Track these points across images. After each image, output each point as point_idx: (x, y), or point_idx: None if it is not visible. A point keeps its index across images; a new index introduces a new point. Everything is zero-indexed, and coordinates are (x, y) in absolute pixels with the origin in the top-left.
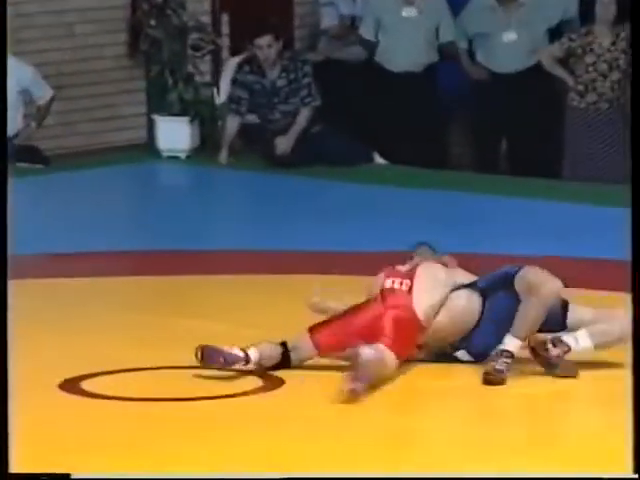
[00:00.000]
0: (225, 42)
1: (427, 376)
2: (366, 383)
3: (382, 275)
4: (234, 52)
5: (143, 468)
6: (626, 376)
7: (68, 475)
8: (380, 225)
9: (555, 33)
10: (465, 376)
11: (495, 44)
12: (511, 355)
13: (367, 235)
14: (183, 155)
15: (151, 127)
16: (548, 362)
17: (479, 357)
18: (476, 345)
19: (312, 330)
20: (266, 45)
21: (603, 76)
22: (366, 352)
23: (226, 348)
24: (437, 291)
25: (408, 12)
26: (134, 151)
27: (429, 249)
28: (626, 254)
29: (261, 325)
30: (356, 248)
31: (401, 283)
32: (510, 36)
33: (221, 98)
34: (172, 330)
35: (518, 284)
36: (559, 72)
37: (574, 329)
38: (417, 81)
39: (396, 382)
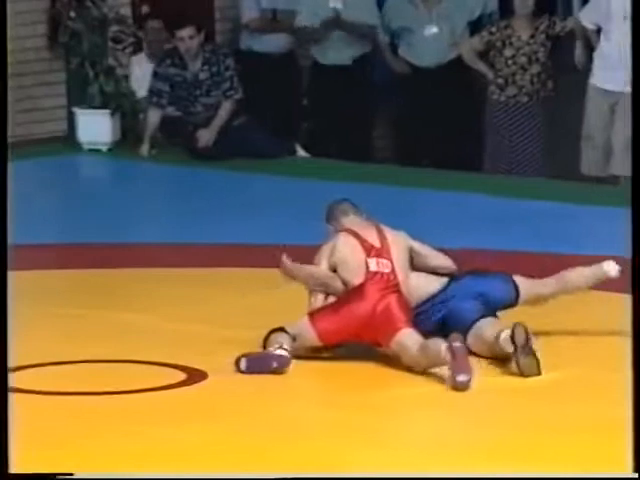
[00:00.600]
0: (147, 34)
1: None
2: (471, 373)
3: (351, 241)
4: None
5: (66, 462)
6: (625, 371)
7: (70, 475)
8: (303, 218)
9: (476, 26)
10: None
11: (416, 38)
12: None
13: (290, 228)
14: (104, 148)
15: (72, 119)
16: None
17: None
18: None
19: (313, 318)
20: (187, 37)
21: (523, 69)
22: (458, 344)
23: (270, 352)
24: (408, 269)
25: (335, 3)
26: (55, 144)
27: (352, 208)
28: (550, 247)
29: (187, 319)
30: (279, 241)
31: (386, 262)
32: (431, 30)
33: (137, 92)
34: (96, 324)
35: None
36: (479, 66)
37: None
38: (346, 74)
39: (323, 371)
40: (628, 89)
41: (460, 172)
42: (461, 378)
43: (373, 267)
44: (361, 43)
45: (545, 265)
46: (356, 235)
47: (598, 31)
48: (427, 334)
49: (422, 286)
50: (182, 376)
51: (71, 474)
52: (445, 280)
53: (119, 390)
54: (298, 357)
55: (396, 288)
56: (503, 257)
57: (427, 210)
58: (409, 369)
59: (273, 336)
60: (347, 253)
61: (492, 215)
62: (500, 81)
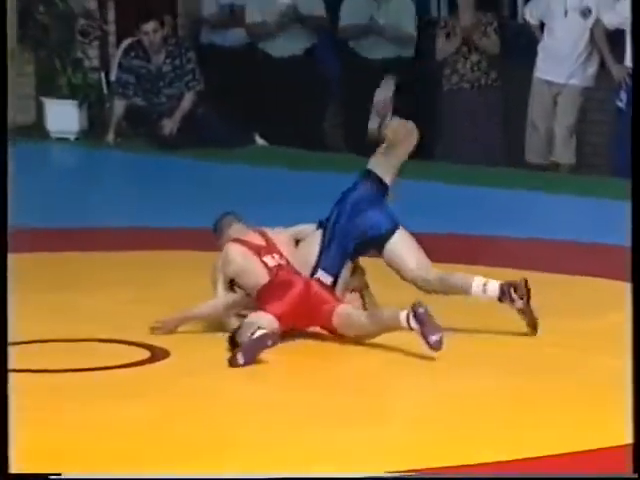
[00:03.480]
0: (112, 28)
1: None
2: (441, 331)
3: (239, 248)
4: (120, 38)
5: (38, 435)
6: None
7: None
8: (261, 203)
9: (423, 22)
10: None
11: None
12: None
13: (248, 212)
14: (72, 137)
15: (40, 109)
16: None
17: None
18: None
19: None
20: (152, 31)
21: (464, 58)
22: (421, 310)
23: (257, 336)
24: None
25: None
26: (23, 132)
27: (236, 218)
28: (497, 230)
29: (149, 300)
30: None
31: (278, 256)
32: (382, 26)
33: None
34: (62, 306)
35: None
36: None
37: None
38: (296, 65)
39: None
40: (572, 81)
41: (412, 160)
42: (434, 338)
43: (271, 263)
44: (310, 35)
45: (495, 247)
46: (241, 241)
47: (541, 26)
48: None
49: (306, 253)
50: (146, 354)
51: (59, 474)
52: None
53: (86, 367)
54: None
55: (301, 275)
56: (457, 240)
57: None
58: (357, 340)
59: (244, 328)
60: (240, 261)
61: (442, 201)
62: (447, 71)
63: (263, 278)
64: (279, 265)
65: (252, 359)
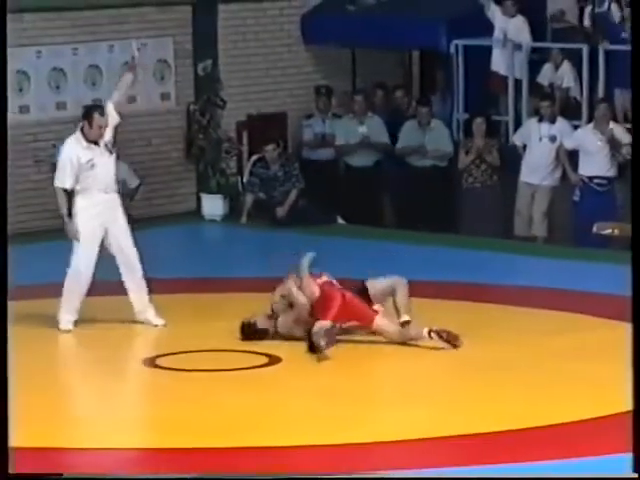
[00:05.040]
0: (245, 148)
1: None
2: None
3: (309, 280)
4: (251, 154)
5: (188, 417)
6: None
7: (61, 474)
8: (339, 261)
9: (455, 142)
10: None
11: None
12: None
13: (328, 266)
14: (218, 218)
15: (199, 201)
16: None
17: None
18: None
19: (323, 317)
20: (271, 150)
21: (476, 166)
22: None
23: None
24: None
25: (362, 129)
26: (189, 216)
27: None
28: (497, 280)
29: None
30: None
31: (325, 277)
32: (425, 145)
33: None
34: (209, 329)
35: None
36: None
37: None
38: (367, 172)
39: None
40: (544, 183)
41: (440, 233)
42: (458, 343)
43: (319, 281)
44: (377, 153)
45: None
46: (305, 278)
47: (524, 147)
48: None
49: None
50: (265, 360)
51: (61, 474)
52: None
53: (224, 368)
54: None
55: (343, 289)
56: (466, 288)
57: (416, 258)
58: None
59: (317, 333)
60: (304, 282)
61: (464, 259)
62: (465, 175)
63: (317, 292)
64: (324, 282)
65: (330, 343)
